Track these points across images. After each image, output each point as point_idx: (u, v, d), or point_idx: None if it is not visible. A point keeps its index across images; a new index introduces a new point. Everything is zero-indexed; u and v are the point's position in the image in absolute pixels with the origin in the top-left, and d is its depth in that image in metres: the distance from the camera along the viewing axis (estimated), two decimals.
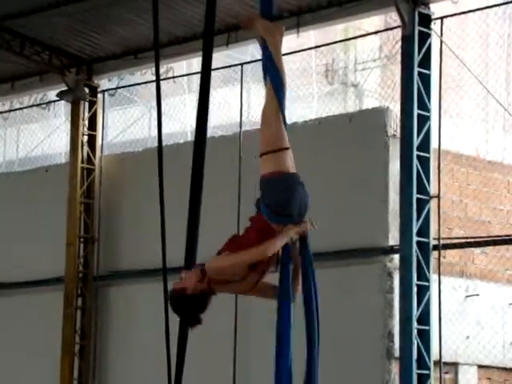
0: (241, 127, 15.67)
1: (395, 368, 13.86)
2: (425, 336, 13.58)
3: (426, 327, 13.61)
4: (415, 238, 13.61)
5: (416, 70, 13.80)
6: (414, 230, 13.63)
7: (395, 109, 14.39)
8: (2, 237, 18.50)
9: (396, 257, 14.03)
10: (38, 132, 20.29)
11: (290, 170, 6.59)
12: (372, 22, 16.14)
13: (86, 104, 17.56)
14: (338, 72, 18.27)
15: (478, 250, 15.13)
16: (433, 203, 13.85)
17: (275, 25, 7.08)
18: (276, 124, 6.72)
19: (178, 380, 12.21)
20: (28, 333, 17.69)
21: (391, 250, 14.20)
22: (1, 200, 18.73)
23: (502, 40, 18.23)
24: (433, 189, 13.88)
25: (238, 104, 15.87)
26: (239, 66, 15.93)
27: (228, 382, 15.08)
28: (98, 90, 17.76)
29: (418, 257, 13.62)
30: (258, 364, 14.84)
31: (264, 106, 6.87)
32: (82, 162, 17.40)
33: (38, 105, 19.67)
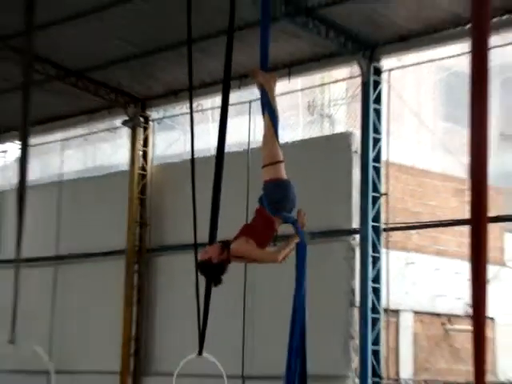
0: (249, 145, 15.70)
1: (356, 314, 13.85)
2: (377, 291, 13.66)
3: (378, 285, 13.69)
4: (370, 224, 13.67)
5: (371, 105, 13.86)
6: (370, 218, 13.68)
7: (357, 133, 14.32)
8: (83, 222, 18.47)
9: (357, 236, 14.01)
10: (108, 148, 20.34)
11: (284, 177, 6.62)
12: (341, 72, 16.12)
13: (141, 129, 17.56)
14: (317, 107, 18.26)
15: (413, 232, 15.15)
16: (383, 199, 13.89)
17: (271, 75, 7.14)
18: (273, 144, 6.77)
19: (204, 322, 12.18)
20: (100, 289, 17.76)
21: (354, 232, 14.16)
22: (83, 198, 18.66)
23: (430, 85, 18.31)
24: (383, 189, 13.90)
25: (246, 129, 15.86)
26: (248, 103, 15.85)
27: (239, 325, 15.05)
28: (150, 119, 17.74)
29: (372, 236, 13.67)
30: (263, 313, 14.85)
31: (264, 132, 6.92)
32: (138, 170, 17.39)
33: (107, 130, 19.67)
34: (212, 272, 6.59)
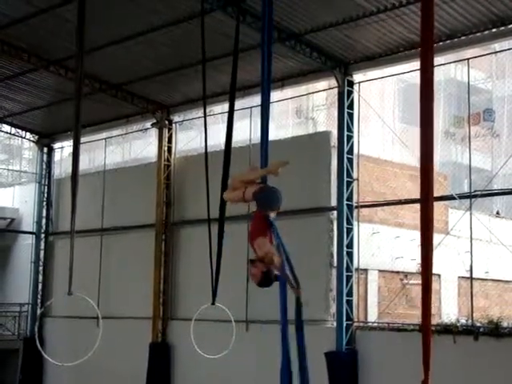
0: (250, 141, 15.48)
1: (334, 272, 13.81)
2: (350, 254, 13.58)
3: (351, 250, 13.61)
4: (345, 202, 13.60)
5: (346, 110, 13.75)
6: (345, 197, 13.60)
7: (334, 132, 14.20)
8: (122, 202, 18.42)
9: (335, 212, 13.93)
10: (141, 145, 20.32)
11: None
12: (322, 84, 16.07)
13: (166, 130, 17.43)
14: (303, 111, 18.22)
15: (378, 208, 15.07)
16: (355, 183, 13.78)
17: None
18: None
19: (216, 278, 12.16)
20: (136, 254, 17.74)
21: (332, 209, 14.08)
22: (122, 183, 18.62)
23: (391, 94, 18.24)
24: (355, 175, 13.79)
25: (248, 129, 15.73)
26: (249, 109, 15.75)
27: (243, 280, 14.97)
28: (173, 122, 17.60)
29: (346, 212, 13.59)
30: None
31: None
32: (164, 161, 17.28)
33: (140, 130, 19.65)
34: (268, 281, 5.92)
